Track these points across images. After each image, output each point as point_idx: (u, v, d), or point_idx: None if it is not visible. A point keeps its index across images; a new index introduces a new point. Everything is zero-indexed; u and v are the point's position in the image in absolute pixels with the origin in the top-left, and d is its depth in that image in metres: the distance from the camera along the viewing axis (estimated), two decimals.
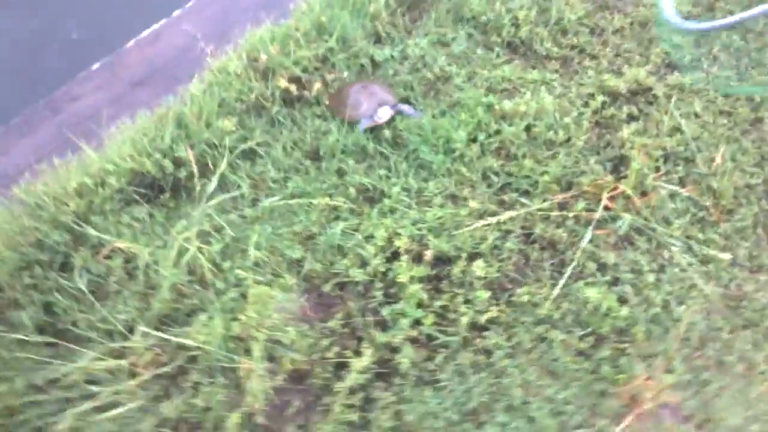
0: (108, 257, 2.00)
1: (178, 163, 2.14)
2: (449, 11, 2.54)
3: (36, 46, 2.50)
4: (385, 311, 1.82)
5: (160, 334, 1.78)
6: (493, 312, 1.79)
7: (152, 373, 1.79)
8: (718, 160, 2.02)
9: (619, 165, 2.06)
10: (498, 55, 2.41)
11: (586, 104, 2.20)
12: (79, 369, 1.78)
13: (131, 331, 1.83)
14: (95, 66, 2.45)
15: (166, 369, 1.79)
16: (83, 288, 1.92)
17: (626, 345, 1.74)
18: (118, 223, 2.04)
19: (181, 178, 2.13)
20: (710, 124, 2.14)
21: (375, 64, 2.43)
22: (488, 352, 1.76)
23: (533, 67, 2.37)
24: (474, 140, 2.13)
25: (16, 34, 2.52)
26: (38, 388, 1.77)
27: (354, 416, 1.67)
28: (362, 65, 2.42)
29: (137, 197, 2.09)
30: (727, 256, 1.84)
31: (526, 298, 1.80)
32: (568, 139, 2.13)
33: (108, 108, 2.34)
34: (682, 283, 1.83)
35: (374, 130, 2.22)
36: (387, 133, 2.20)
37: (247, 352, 1.78)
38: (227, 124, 2.19)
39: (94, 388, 1.75)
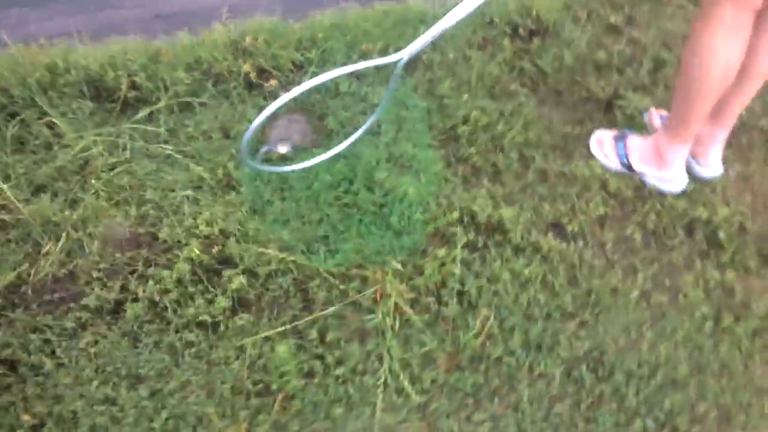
0: (45, 125, 2.51)
1: (134, 85, 2.59)
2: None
3: None
4: (154, 269, 2.13)
5: (9, 194, 2.26)
6: (217, 320, 2.03)
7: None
8: (490, 320, 2.02)
9: (416, 273, 2.15)
10: (438, 134, 2.53)
11: (444, 214, 2.26)
12: None
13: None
14: None
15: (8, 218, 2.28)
16: (11, 135, 2.46)
17: (280, 408, 1.90)
18: (66, 105, 2.54)
19: (129, 98, 2.58)
20: (528, 286, 2.12)
21: (337, 91, 2.66)
22: (190, 346, 2.01)
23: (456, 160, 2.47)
24: (336, 188, 2.32)
25: None
26: None
27: (72, 324, 2.03)
28: (327, 87, 2.66)
29: (90, 95, 2.57)
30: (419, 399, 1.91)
31: (244, 324, 2.02)
32: (409, 229, 2.24)
33: (134, 23, 2.85)
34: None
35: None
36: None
37: (57, 239, 2.21)
38: (184, 75, 2.58)
39: None
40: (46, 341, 2.01)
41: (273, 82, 2.62)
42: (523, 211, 2.30)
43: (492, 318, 2.04)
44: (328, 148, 2.40)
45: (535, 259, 2.20)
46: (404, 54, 1.91)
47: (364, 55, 2.73)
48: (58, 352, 1.99)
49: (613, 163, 2.45)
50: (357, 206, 2.29)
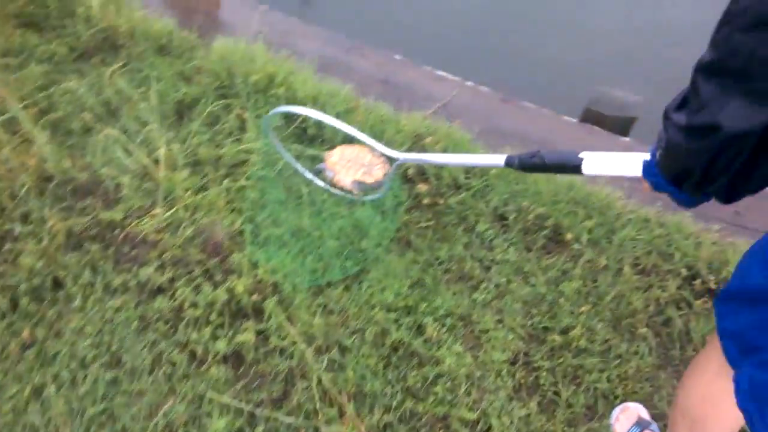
0: (237, 117, 2.75)
1: (316, 126, 2.71)
2: None
3: None
4: (205, 281, 2.21)
5: (173, 150, 2.51)
6: (205, 357, 2.03)
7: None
8: None
9: None
10: None
11: None
12: None
13: None
14: None
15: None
16: (209, 111, 2.74)
17: None
18: (261, 109, 2.74)
19: (308, 134, 2.70)
20: None
21: None
22: (170, 363, 2.04)
23: None
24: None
25: None
26: None
27: (118, 280, 2.20)
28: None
29: (286, 118, 2.74)
30: None
31: (221, 377, 1.98)
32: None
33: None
34: None
35: None
36: None
37: (170, 208, 2.41)
38: None
39: None
40: (91, 282, 2.21)
41: (423, 187, 2.51)
42: None
43: None
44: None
45: None
46: (401, 156, 1.92)
47: (519, 213, 2.47)
48: (87, 292, 2.18)
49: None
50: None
